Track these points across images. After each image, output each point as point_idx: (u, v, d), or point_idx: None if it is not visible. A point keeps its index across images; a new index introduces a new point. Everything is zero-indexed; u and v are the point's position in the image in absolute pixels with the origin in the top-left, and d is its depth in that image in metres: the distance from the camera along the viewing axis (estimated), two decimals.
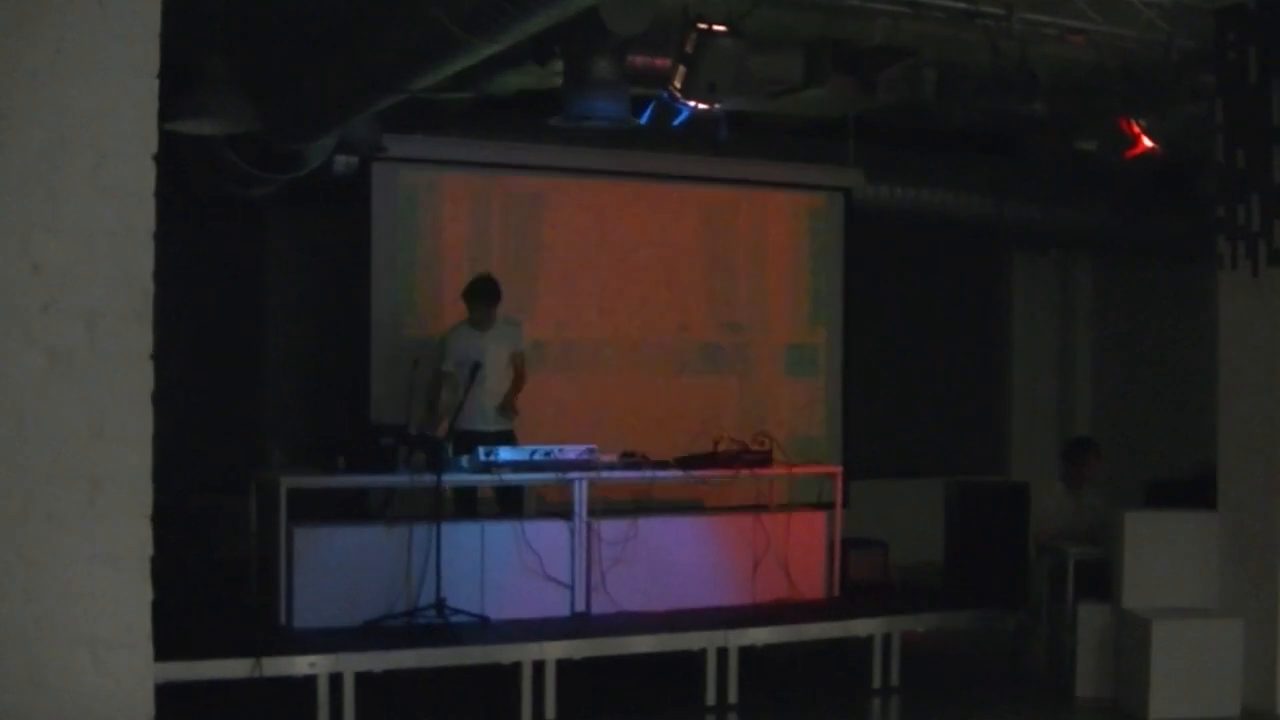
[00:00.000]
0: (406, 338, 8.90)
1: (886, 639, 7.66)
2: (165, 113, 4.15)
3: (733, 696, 7.22)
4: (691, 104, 6.93)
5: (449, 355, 8.02)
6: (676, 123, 7.19)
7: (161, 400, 4.02)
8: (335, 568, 7.11)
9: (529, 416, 8.35)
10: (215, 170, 7.95)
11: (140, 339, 4.00)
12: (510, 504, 7.90)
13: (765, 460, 8.15)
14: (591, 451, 7.72)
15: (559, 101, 6.99)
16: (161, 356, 4.03)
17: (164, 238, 4.08)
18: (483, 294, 8.07)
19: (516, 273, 9.20)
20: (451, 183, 9.14)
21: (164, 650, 4.14)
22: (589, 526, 7.64)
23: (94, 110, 3.93)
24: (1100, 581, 7.57)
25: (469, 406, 7.81)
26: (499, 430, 8.06)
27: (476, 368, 7.67)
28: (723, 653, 7.21)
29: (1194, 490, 7.74)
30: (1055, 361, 11.90)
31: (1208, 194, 7.92)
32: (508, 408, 8.13)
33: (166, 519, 4.10)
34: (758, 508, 8.41)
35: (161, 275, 4.04)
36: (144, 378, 4.00)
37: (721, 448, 8.11)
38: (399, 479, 7.46)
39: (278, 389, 9.37)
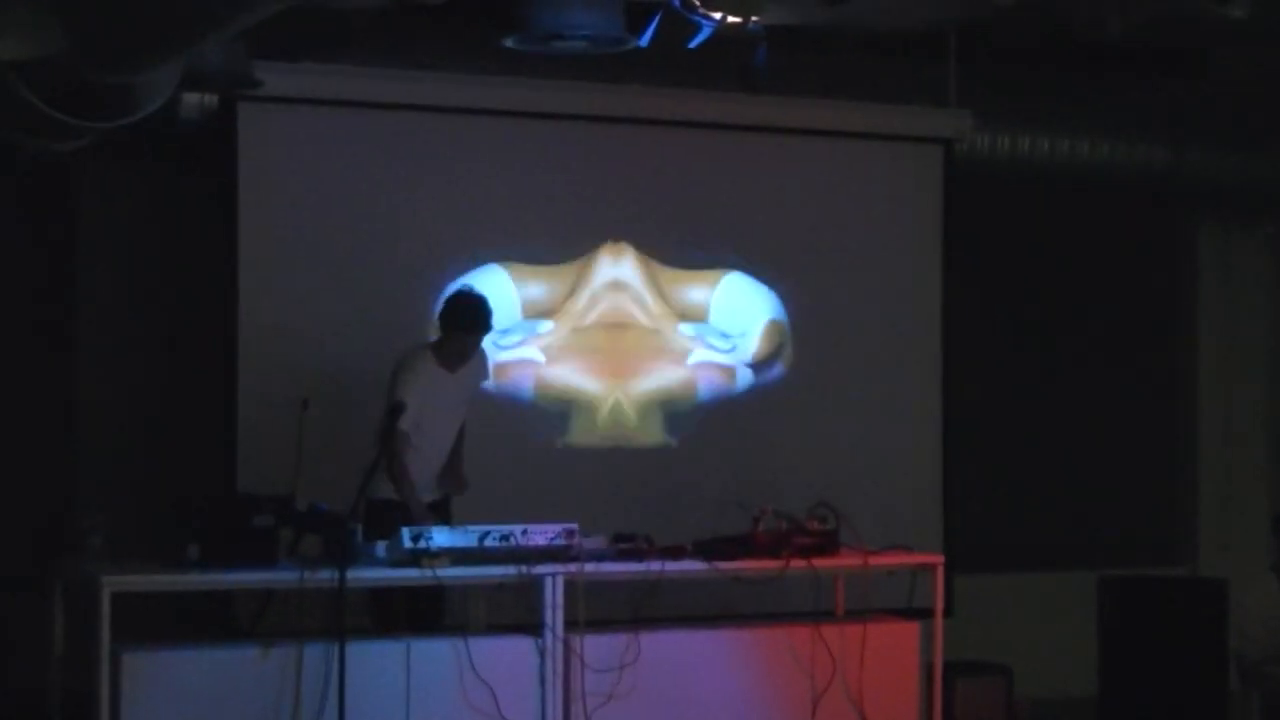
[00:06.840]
0: (290, 362, 8.93)
1: None
2: None
3: None
4: (715, 16, 7.01)
5: (412, 397, 8.07)
6: (693, 44, 7.26)
7: None
8: (184, 710, 7.15)
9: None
10: (4, 114, 8.03)
11: None
12: (425, 612, 7.92)
13: (829, 545, 8.19)
14: (570, 534, 7.77)
15: (517, 12, 7.06)
16: None
17: None
18: (477, 322, 8.21)
19: (450, 255, 9.30)
20: (352, 130, 9.19)
21: None
22: (566, 644, 7.69)
23: None
24: None
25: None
26: (434, 501, 8.23)
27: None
28: None
29: None
30: (1265, 390, 11.88)
31: None
32: (457, 474, 8.28)
33: None
34: (819, 615, 8.45)
35: None
36: None
37: (763, 526, 8.16)
38: (282, 575, 7.51)
39: (99, 439, 9.39)
